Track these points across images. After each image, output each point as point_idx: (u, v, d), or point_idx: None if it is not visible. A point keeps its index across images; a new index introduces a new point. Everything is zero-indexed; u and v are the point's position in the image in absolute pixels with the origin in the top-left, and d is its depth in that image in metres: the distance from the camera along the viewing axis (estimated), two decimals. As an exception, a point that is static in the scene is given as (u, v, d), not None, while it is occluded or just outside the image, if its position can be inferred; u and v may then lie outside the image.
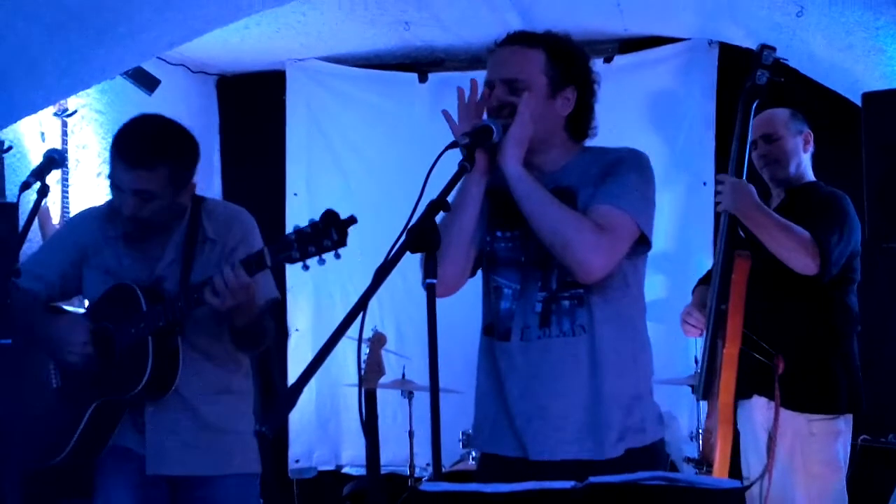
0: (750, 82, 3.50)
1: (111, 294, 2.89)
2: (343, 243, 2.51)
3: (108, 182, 2.88)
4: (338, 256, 2.53)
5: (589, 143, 2.66)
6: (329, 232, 2.51)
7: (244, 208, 3.08)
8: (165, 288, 2.86)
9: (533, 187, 2.44)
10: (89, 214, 3.10)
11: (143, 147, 2.77)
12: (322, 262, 2.56)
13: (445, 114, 2.55)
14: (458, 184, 2.29)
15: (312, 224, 2.52)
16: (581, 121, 2.60)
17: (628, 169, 2.52)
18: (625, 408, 2.49)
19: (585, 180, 2.52)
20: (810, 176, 3.79)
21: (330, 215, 2.51)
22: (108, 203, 3.02)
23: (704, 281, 3.92)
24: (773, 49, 3.48)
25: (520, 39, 2.56)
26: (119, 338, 2.82)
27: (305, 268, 2.57)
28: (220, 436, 2.94)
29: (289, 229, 2.60)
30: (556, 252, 2.42)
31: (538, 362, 2.50)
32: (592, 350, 2.48)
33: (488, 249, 2.61)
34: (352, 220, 2.50)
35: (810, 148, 3.78)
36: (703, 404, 4.02)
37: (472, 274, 2.66)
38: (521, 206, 2.44)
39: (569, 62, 2.55)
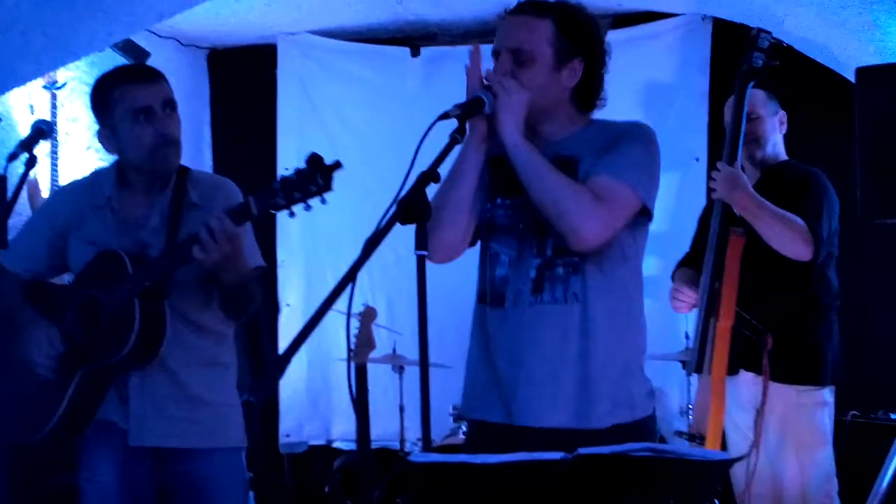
0: (746, 65, 3.54)
1: (97, 261, 2.87)
2: (329, 188, 2.49)
3: (103, 144, 2.90)
4: (324, 202, 2.50)
5: (596, 115, 2.64)
6: (314, 177, 2.48)
7: (233, 177, 3.07)
8: (150, 254, 2.84)
9: (530, 155, 2.44)
10: (72, 187, 3.10)
11: (145, 67, 3.05)
12: (308, 207, 2.53)
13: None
14: (457, 151, 2.28)
15: (297, 171, 2.50)
16: (588, 92, 2.59)
17: (632, 141, 2.52)
18: (613, 380, 2.49)
19: (588, 151, 2.52)
20: (784, 156, 3.84)
21: (315, 160, 2.48)
22: (93, 173, 3.04)
23: (684, 263, 3.96)
24: (769, 32, 3.52)
25: (529, 9, 2.54)
26: (106, 304, 2.80)
27: (292, 215, 2.54)
28: (206, 408, 2.92)
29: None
30: (551, 219, 2.42)
31: (529, 328, 2.50)
32: (584, 319, 2.48)
33: (488, 217, 2.60)
34: (337, 164, 2.48)
35: (784, 129, 3.83)
36: (694, 379, 4.05)
37: (473, 243, 2.65)
38: (519, 174, 2.44)
39: (578, 33, 2.53)
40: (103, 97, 2.88)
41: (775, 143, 3.81)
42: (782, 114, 3.82)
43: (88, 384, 2.84)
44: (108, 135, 2.90)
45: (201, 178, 3.02)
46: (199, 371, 2.92)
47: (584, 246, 2.43)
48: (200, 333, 2.93)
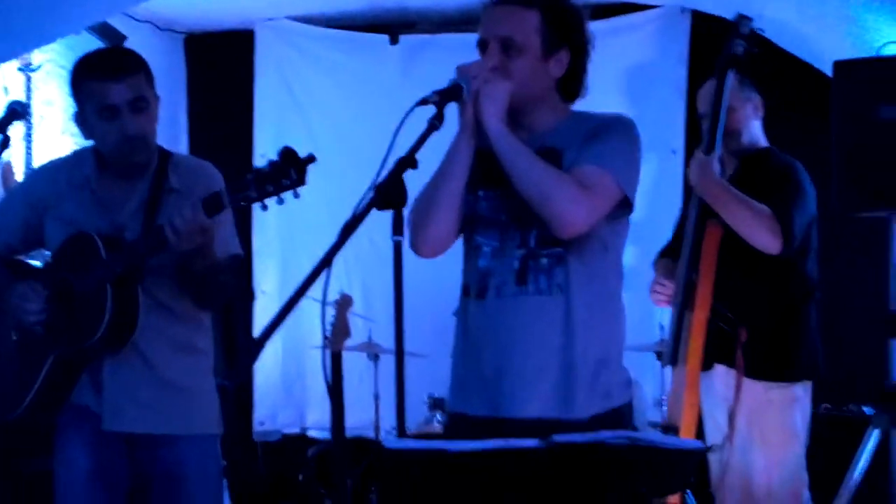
0: (726, 52, 3.49)
1: (71, 243, 2.85)
2: (302, 182, 2.48)
3: (79, 130, 2.86)
4: (297, 195, 2.50)
5: (577, 105, 2.66)
6: (287, 171, 2.47)
7: (211, 163, 3.05)
8: (126, 237, 2.83)
9: (513, 142, 2.44)
10: (52, 166, 3.06)
11: (119, 59, 2.89)
12: (281, 201, 2.52)
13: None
14: (434, 139, 2.28)
15: (271, 163, 2.49)
16: (573, 82, 2.61)
17: (613, 132, 2.53)
18: (593, 371, 2.50)
19: (571, 143, 2.52)
20: (763, 142, 3.78)
21: (288, 154, 2.47)
22: (75, 152, 3.01)
23: (666, 253, 3.94)
24: (750, 20, 3.48)
25: None
26: (78, 288, 2.78)
27: (264, 208, 2.53)
28: (181, 394, 2.91)
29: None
30: (535, 206, 2.42)
31: (513, 319, 2.50)
32: (567, 310, 2.49)
33: (471, 209, 2.60)
34: (310, 158, 2.47)
35: (761, 114, 3.76)
36: (668, 371, 4.06)
37: (457, 236, 2.65)
38: (502, 162, 2.44)
39: (564, 24, 2.55)
40: (77, 86, 2.85)
41: (752, 131, 3.73)
42: (757, 98, 3.74)
43: (61, 368, 2.83)
44: (82, 121, 2.88)
45: (182, 163, 2.99)
46: (173, 357, 2.90)
47: (569, 232, 2.44)
48: (175, 319, 2.91)
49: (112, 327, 2.74)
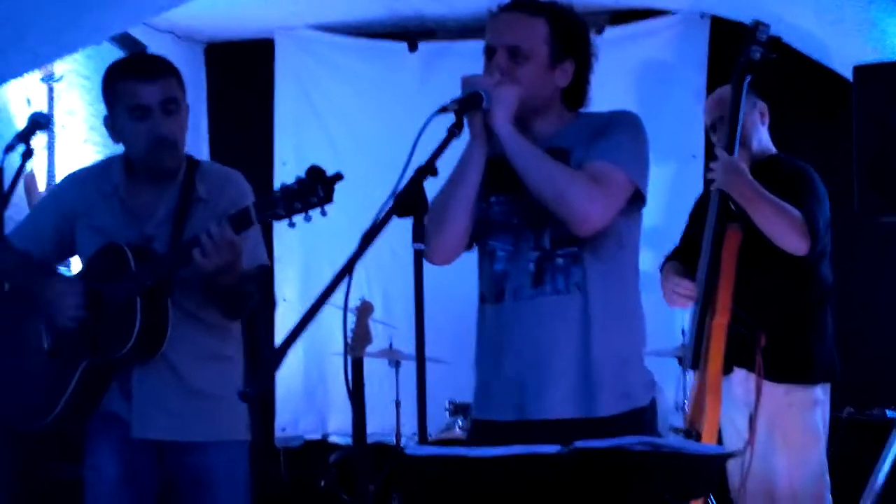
0: (743, 58, 3.49)
1: (101, 254, 2.87)
2: (329, 200, 2.50)
3: (109, 134, 2.88)
4: (324, 213, 2.51)
5: (593, 109, 2.67)
6: (315, 188, 2.49)
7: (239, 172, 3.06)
8: (155, 248, 2.84)
9: (524, 144, 2.46)
10: (81, 174, 3.08)
11: (153, 61, 2.94)
12: (308, 218, 2.54)
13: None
14: (454, 147, 2.29)
15: (299, 180, 2.51)
16: (577, 93, 2.63)
17: (620, 128, 2.55)
18: (614, 369, 2.51)
19: (578, 141, 2.54)
20: (772, 149, 3.79)
21: (316, 172, 2.49)
22: (104, 160, 3.03)
23: (673, 257, 3.94)
24: (768, 26, 3.48)
25: (524, 6, 2.57)
26: (108, 298, 2.80)
27: (292, 225, 2.55)
28: (209, 402, 2.92)
29: (277, 196, 2.56)
30: (551, 206, 2.43)
31: (531, 320, 2.51)
32: (585, 308, 2.50)
33: (483, 215, 2.61)
34: (338, 176, 2.49)
35: (767, 120, 3.77)
36: (690, 375, 4.05)
37: (470, 246, 2.66)
38: (514, 163, 2.45)
39: (570, 35, 2.58)
40: (109, 88, 2.89)
41: (760, 138, 3.74)
42: (762, 105, 3.75)
43: (91, 377, 2.84)
44: (111, 124, 2.91)
45: (210, 172, 3.00)
46: (201, 365, 2.92)
47: (587, 230, 2.45)
48: (203, 328, 2.93)
49: (142, 339, 2.76)
